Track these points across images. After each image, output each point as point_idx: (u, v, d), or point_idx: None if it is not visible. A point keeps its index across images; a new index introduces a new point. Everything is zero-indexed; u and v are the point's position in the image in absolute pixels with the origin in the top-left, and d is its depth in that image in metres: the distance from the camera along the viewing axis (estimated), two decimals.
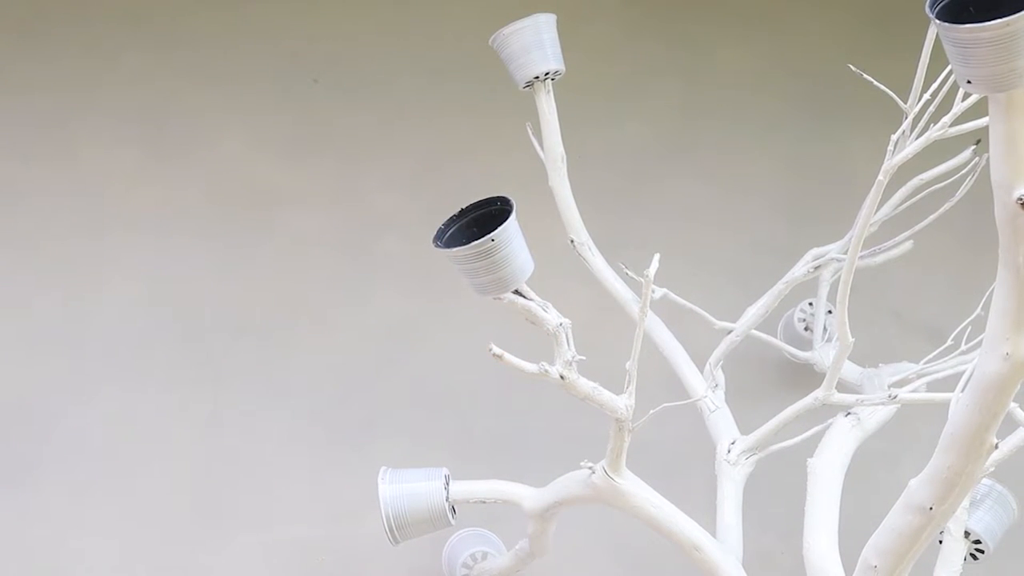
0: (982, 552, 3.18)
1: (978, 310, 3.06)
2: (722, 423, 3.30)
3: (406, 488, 3.23)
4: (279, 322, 4.35)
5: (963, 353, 3.34)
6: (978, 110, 2.36)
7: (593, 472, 2.96)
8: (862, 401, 3.02)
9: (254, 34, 4.98)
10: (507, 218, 2.45)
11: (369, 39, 5.03)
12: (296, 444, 4.12)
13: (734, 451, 3.20)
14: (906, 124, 2.69)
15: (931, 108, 2.63)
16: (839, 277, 3.51)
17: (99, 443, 4.06)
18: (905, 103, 2.83)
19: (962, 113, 2.46)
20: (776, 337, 4.14)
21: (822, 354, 3.87)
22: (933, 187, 3.52)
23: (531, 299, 2.59)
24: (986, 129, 1.98)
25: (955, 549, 3.00)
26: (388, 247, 4.54)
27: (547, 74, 3.34)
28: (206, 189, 4.62)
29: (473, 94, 4.89)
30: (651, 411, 2.75)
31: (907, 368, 3.67)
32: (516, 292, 2.56)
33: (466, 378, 4.26)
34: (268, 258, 4.48)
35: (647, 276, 2.55)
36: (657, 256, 2.54)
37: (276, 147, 4.75)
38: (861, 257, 3.23)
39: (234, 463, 4.07)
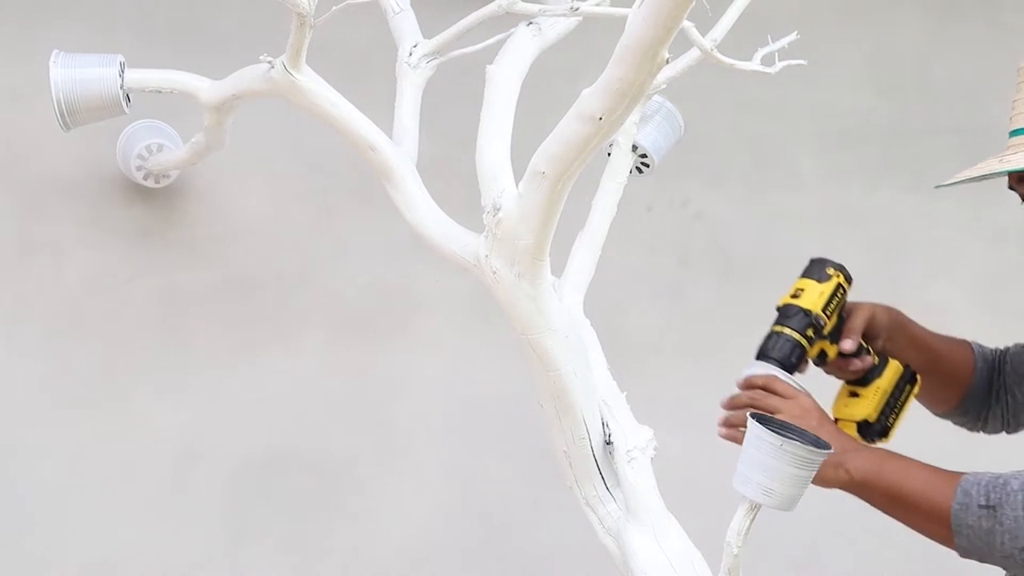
0: (648, 166, 3.31)
1: None
2: (406, 25, 3.26)
3: (79, 73, 3.19)
4: None
5: None
6: None
7: (272, 67, 2.93)
8: (544, 12, 3.03)
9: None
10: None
11: None
12: None
13: (416, 54, 3.19)
14: None
15: None
16: None
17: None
18: None
19: None
20: None
21: None
22: None
23: None
24: None
25: (622, 161, 3.10)
26: None
27: None
28: None
29: None
30: (334, 7, 2.73)
31: None
32: None
33: None
34: None
35: None
36: None
37: None
38: None
39: None
